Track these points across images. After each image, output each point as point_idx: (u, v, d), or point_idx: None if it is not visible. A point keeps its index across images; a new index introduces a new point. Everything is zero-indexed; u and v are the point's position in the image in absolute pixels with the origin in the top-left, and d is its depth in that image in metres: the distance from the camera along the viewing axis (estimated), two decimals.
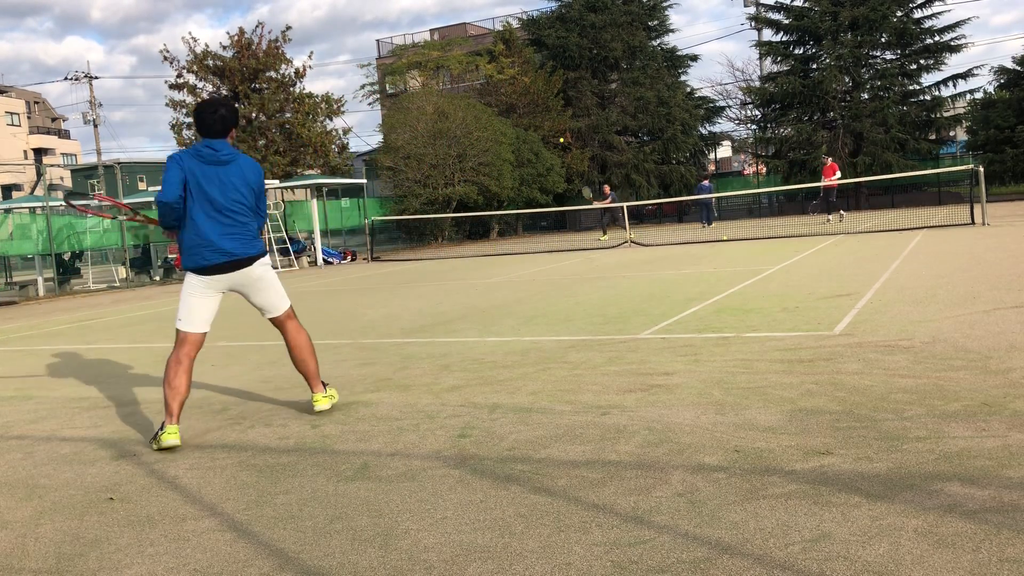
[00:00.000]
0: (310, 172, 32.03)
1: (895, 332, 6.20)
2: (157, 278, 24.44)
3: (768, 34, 40.20)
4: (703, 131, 43.21)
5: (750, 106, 44.94)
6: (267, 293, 4.96)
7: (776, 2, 39.15)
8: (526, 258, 20.26)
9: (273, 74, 32.31)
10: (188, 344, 4.80)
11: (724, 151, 60.73)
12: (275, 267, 22.58)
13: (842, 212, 25.26)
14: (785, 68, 38.93)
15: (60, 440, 4.99)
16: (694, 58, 44.34)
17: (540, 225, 41.67)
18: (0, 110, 74.94)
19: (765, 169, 40.71)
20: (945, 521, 2.82)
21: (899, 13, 36.33)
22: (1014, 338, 5.64)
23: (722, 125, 51.95)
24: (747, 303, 8.53)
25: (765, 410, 4.36)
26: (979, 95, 37.67)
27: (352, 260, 26.39)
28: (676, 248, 18.91)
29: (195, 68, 31.68)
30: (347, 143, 34.79)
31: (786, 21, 38.48)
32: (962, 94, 37.54)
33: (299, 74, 32.62)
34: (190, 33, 47.25)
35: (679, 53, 42.48)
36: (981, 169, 18.91)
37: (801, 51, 38.69)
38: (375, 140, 71.38)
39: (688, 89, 42.75)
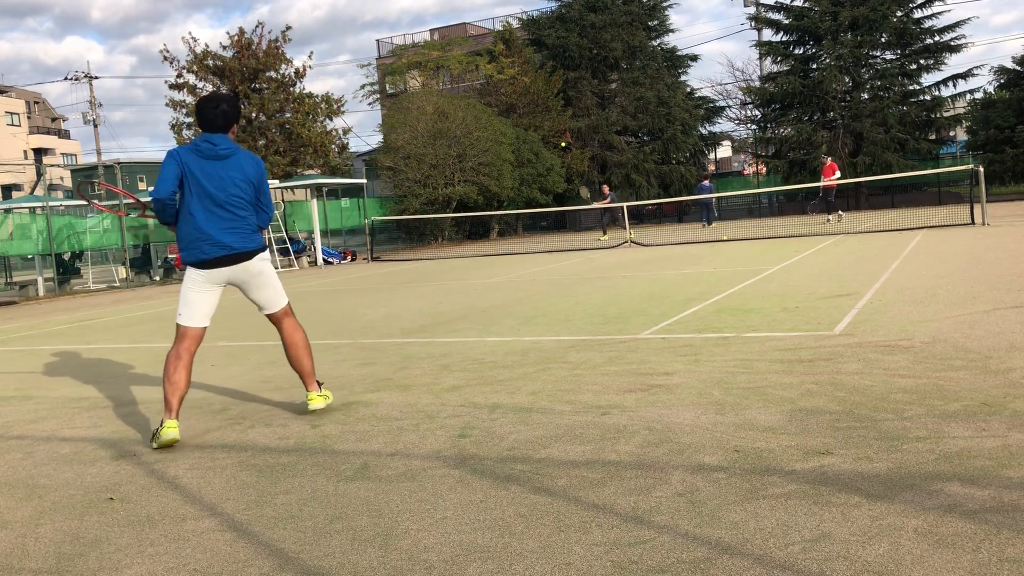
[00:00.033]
0: (310, 172, 32.04)
1: (895, 332, 6.20)
2: (157, 278, 24.44)
3: (768, 34, 40.24)
4: (703, 131, 43.23)
5: (750, 106, 44.97)
6: (266, 289, 4.98)
7: (776, 2, 39.16)
8: (526, 258, 20.26)
9: (273, 74, 32.33)
10: (188, 339, 4.80)
11: (724, 151, 60.74)
12: (275, 267, 22.56)
13: (840, 212, 25.23)
14: (785, 68, 38.94)
15: (60, 440, 4.99)
16: (694, 58, 44.36)
17: (540, 225, 41.68)
18: (0, 110, 74.94)
19: (765, 169, 40.72)
20: (945, 521, 2.82)
21: (899, 13, 36.34)
22: (1014, 338, 5.64)
23: (722, 125, 52.03)
24: (747, 303, 8.53)
25: (765, 410, 4.36)
26: (979, 95, 37.71)
27: (352, 260, 26.39)
28: (676, 248, 18.91)
29: (195, 68, 31.69)
30: (347, 143, 34.84)
31: (786, 21, 38.49)
32: (962, 94, 37.55)
33: (299, 74, 32.63)
34: (190, 33, 47.29)
35: (679, 53, 42.50)
36: (981, 169, 18.91)
37: (801, 51, 38.70)
38: (375, 140, 71.44)
39: (688, 89, 42.77)
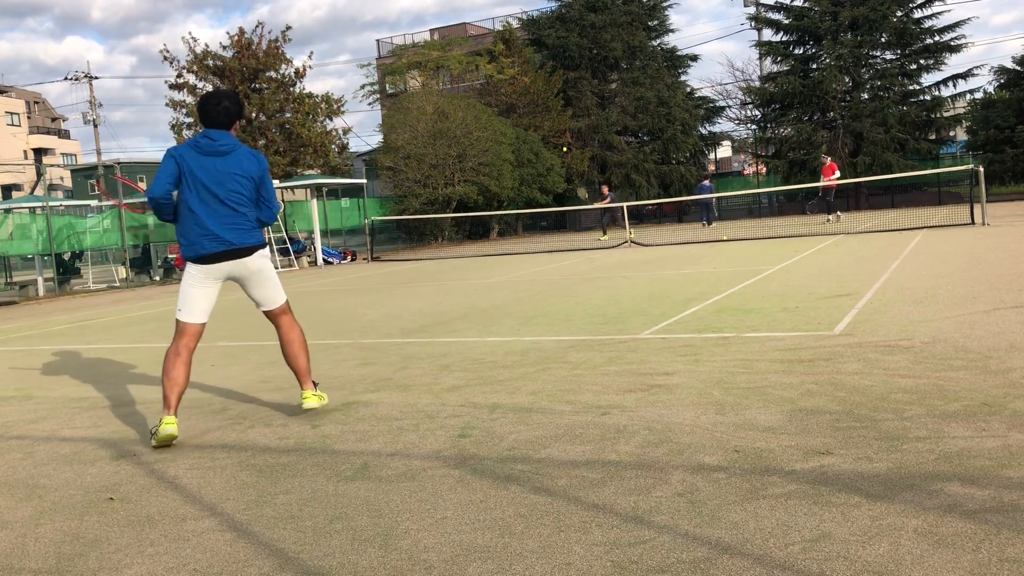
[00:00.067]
0: (310, 172, 32.04)
1: (895, 332, 6.20)
2: (157, 278, 24.44)
3: (768, 34, 40.26)
4: (703, 131, 43.24)
5: (750, 106, 44.98)
6: (265, 286, 4.98)
7: (776, 2, 39.17)
8: (526, 258, 20.26)
9: (273, 74, 32.33)
10: (187, 335, 4.81)
11: (724, 151, 60.75)
12: (275, 267, 22.56)
13: (839, 213, 25.20)
14: (785, 68, 38.95)
15: (60, 440, 4.99)
16: (694, 58, 44.39)
17: (540, 225, 41.68)
18: (0, 110, 74.94)
19: (765, 169, 40.73)
20: (945, 521, 2.82)
21: (899, 13, 36.35)
22: (1014, 338, 5.64)
23: (722, 125, 52.07)
24: (747, 303, 8.53)
25: (765, 410, 4.35)
26: (979, 95, 37.71)
27: (352, 260, 26.39)
28: (676, 248, 18.91)
29: (195, 68, 31.70)
30: (347, 143, 34.84)
31: (786, 21, 38.50)
32: (962, 94, 37.57)
33: (299, 74, 32.64)
34: (190, 33, 47.29)
35: (679, 53, 42.52)
36: (981, 169, 18.91)
37: (801, 51, 38.71)
38: (375, 140, 71.45)
39: (688, 89, 42.78)
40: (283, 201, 28.70)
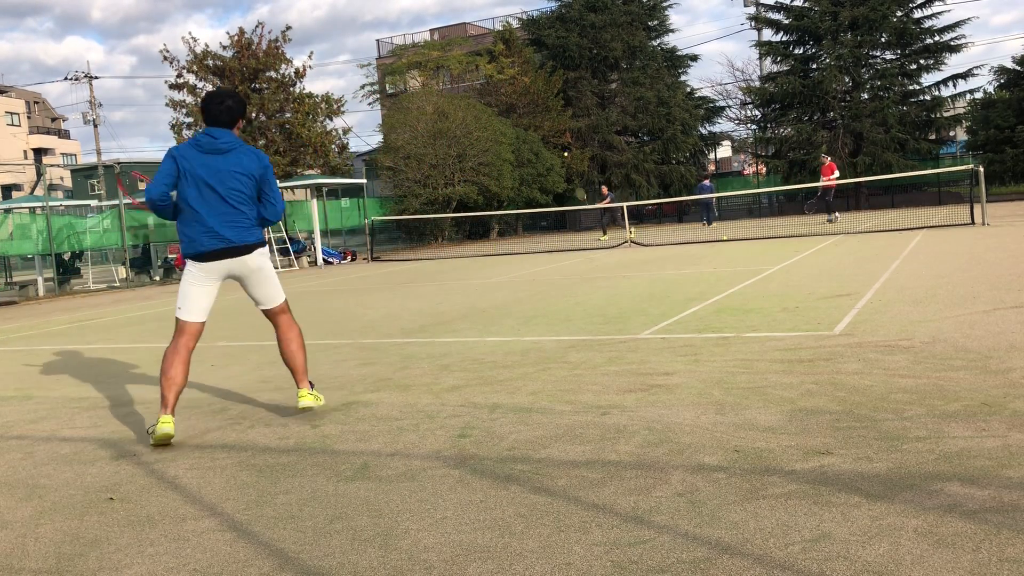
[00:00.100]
0: (310, 172, 32.06)
1: (895, 332, 6.20)
2: (157, 278, 24.44)
3: (768, 34, 40.27)
4: (703, 131, 43.25)
5: (750, 106, 45.00)
6: (264, 284, 4.99)
7: (776, 2, 39.18)
8: (526, 258, 20.26)
9: (273, 74, 32.34)
10: (186, 334, 4.81)
11: (724, 151, 60.75)
12: (275, 267, 22.56)
13: (836, 214, 25.12)
14: (785, 68, 38.96)
15: (60, 440, 4.99)
16: (694, 58, 44.40)
17: (540, 225, 41.69)
18: (0, 110, 74.94)
19: (765, 169, 40.74)
20: (945, 521, 2.82)
21: (899, 13, 36.36)
22: (1014, 338, 5.64)
23: (722, 125, 52.09)
24: (747, 303, 8.53)
25: (765, 410, 4.35)
26: (979, 95, 37.72)
27: (352, 260, 26.39)
28: (676, 248, 18.91)
29: (195, 68, 31.71)
30: (347, 143, 34.85)
31: (786, 21, 38.51)
32: (962, 94, 37.58)
33: (299, 74, 32.64)
34: (190, 33, 47.30)
35: (679, 53, 42.53)
36: (981, 169, 18.91)
37: (801, 51, 38.72)
38: (375, 140, 71.45)
39: (688, 89, 42.80)
40: (283, 201, 28.67)
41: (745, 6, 42.27)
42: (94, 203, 30.86)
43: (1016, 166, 34.22)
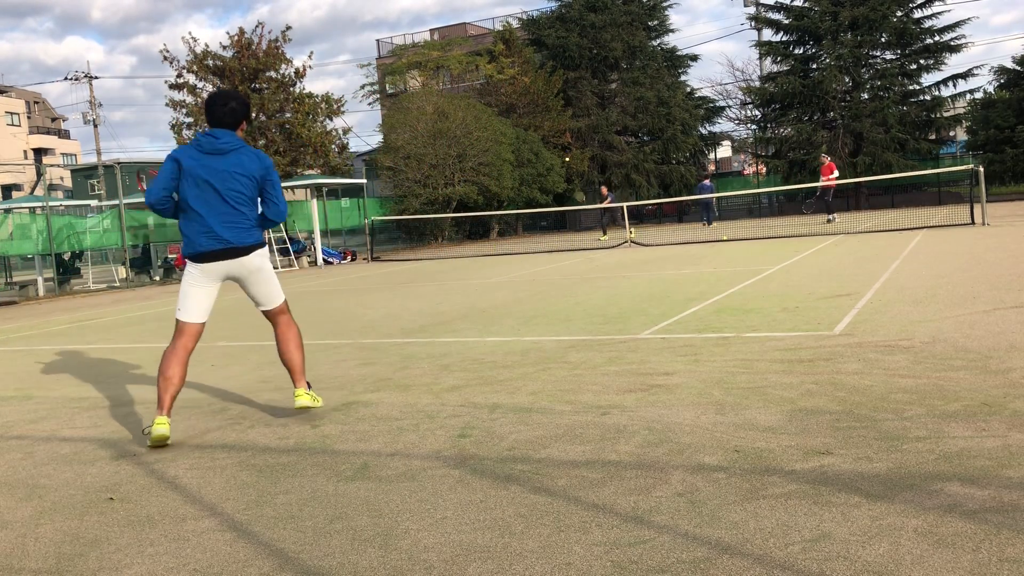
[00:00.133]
0: (310, 172, 32.06)
1: (895, 332, 6.20)
2: (157, 278, 24.44)
3: (768, 34, 40.26)
4: (703, 131, 43.25)
5: (750, 106, 45.00)
6: (264, 285, 4.97)
7: (776, 2, 39.18)
8: (526, 258, 20.26)
9: (273, 74, 32.35)
10: (185, 335, 4.80)
11: (724, 151, 60.75)
12: (275, 267, 22.58)
13: (835, 215, 25.07)
14: (785, 68, 38.96)
15: (60, 440, 4.99)
16: (694, 58, 44.40)
17: (540, 225, 41.69)
18: (0, 110, 74.93)
19: (765, 169, 40.73)
20: (945, 521, 2.82)
21: (899, 13, 36.36)
22: (1014, 338, 5.64)
23: (722, 125, 52.07)
24: (747, 303, 8.53)
25: (765, 410, 4.36)
26: (979, 95, 37.72)
27: (352, 260, 26.40)
28: (676, 248, 18.91)
29: (195, 68, 31.72)
30: (347, 143, 34.86)
31: (786, 21, 38.51)
32: (962, 94, 37.57)
33: (299, 74, 32.65)
34: (190, 33, 47.32)
35: (679, 53, 42.53)
36: (981, 169, 18.91)
37: (801, 51, 38.72)
38: (375, 140, 71.44)
39: (688, 89, 42.79)
40: None
41: (745, 6, 42.29)
42: (94, 203, 30.88)
43: (1016, 166, 34.22)
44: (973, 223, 18.27)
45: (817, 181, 25.34)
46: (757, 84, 41.89)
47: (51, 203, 23.12)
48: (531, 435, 4.25)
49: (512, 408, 4.84)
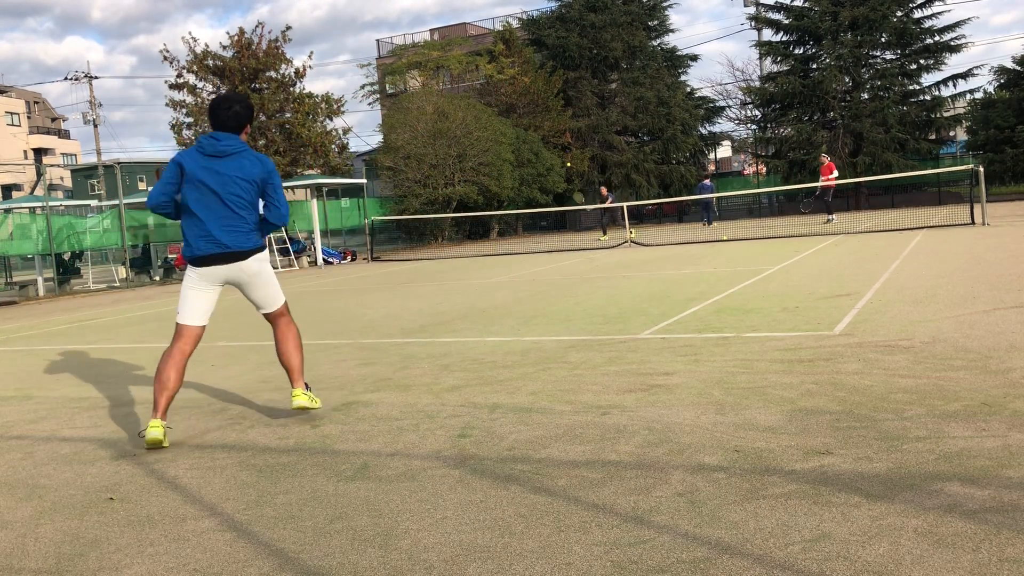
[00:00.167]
0: (310, 172, 32.07)
1: (895, 332, 6.20)
2: (157, 278, 24.44)
3: (768, 34, 40.26)
4: (703, 131, 43.25)
5: (750, 106, 45.00)
6: (263, 289, 4.94)
7: (776, 2, 39.18)
8: (526, 258, 20.26)
9: (273, 74, 32.35)
10: (184, 338, 4.79)
11: (724, 151, 60.75)
12: (275, 267, 22.60)
13: (833, 216, 25.00)
14: (785, 68, 38.96)
15: (60, 440, 4.99)
16: (694, 58, 44.40)
17: (540, 225, 41.69)
18: (0, 110, 74.93)
19: (765, 169, 40.73)
20: (945, 521, 2.82)
21: (899, 13, 36.36)
22: (1014, 338, 5.64)
23: (722, 125, 52.07)
24: (747, 303, 8.53)
25: (765, 410, 4.36)
26: (979, 95, 37.72)
27: (352, 260, 26.40)
28: (676, 248, 18.91)
29: (195, 68, 31.72)
30: (347, 143, 34.86)
31: (786, 21, 38.51)
32: (962, 94, 37.57)
33: (299, 74, 32.65)
34: (190, 33, 47.32)
35: (679, 53, 42.52)
36: (981, 169, 18.91)
37: (801, 51, 38.72)
38: (375, 140, 71.43)
39: (688, 89, 42.79)
40: None
41: (745, 6, 42.28)
42: (94, 203, 30.88)
43: (1016, 166, 34.22)
44: (973, 223, 18.27)
45: (817, 181, 25.33)
46: (757, 84, 41.90)
47: (51, 203, 23.13)
48: (531, 435, 4.25)
49: (512, 408, 4.84)
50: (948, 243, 13.95)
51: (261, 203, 4.90)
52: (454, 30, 50.09)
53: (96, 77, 69.46)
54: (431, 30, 50.50)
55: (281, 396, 5.72)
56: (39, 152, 78.93)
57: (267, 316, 5.05)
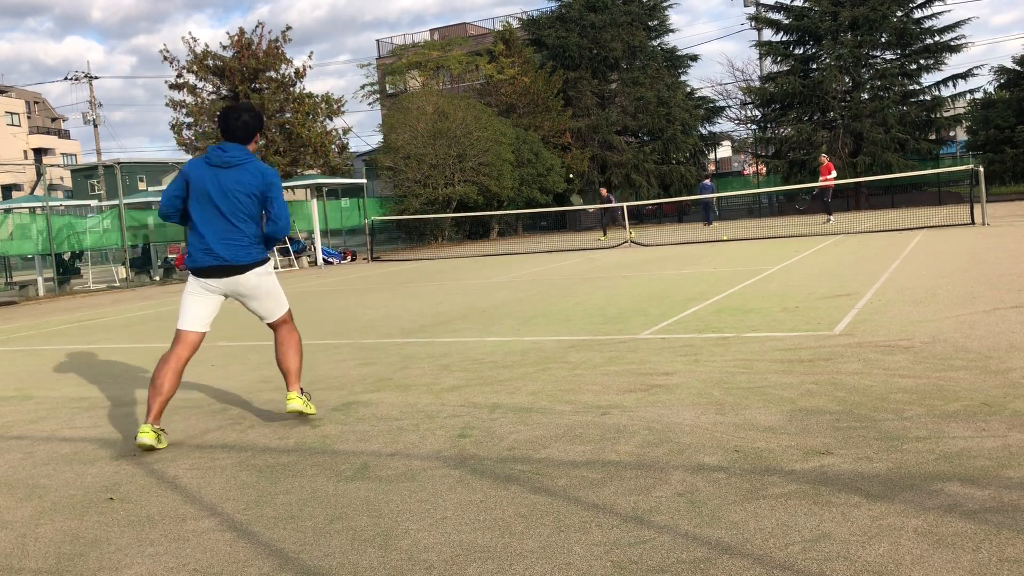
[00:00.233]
0: (310, 172, 32.06)
1: (895, 332, 6.20)
2: (157, 278, 24.44)
3: (768, 34, 40.25)
4: (703, 131, 43.25)
5: (750, 106, 45.00)
6: (263, 301, 4.88)
7: (776, 2, 39.17)
8: (526, 258, 20.26)
9: (273, 74, 32.33)
10: (182, 343, 4.77)
11: (724, 151, 60.75)
12: (275, 267, 22.59)
13: (832, 217, 24.93)
14: (785, 68, 38.96)
15: (60, 440, 4.99)
16: (694, 58, 44.40)
17: (540, 225, 41.68)
18: (0, 110, 74.94)
19: (765, 169, 40.73)
20: (945, 521, 2.82)
21: (899, 13, 36.35)
22: (1014, 338, 5.64)
23: (722, 125, 52.07)
24: (747, 303, 8.53)
25: (765, 410, 4.36)
26: (979, 95, 37.72)
27: (352, 260, 26.40)
28: (676, 248, 18.91)
29: (195, 68, 31.70)
30: (347, 143, 34.84)
31: (786, 21, 38.50)
32: (962, 94, 37.57)
33: (299, 74, 32.64)
34: (190, 33, 47.30)
35: (679, 53, 42.53)
36: (981, 169, 18.91)
37: (801, 51, 38.71)
38: (375, 140, 71.46)
39: (688, 89, 42.79)
40: None
41: (745, 6, 42.27)
42: (94, 203, 30.89)
43: (1016, 166, 34.22)
44: (973, 223, 18.27)
45: (817, 181, 25.30)
46: (757, 84, 41.90)
47: (51, 203, 23.13)
48: (531, 435, 4.25)
49: (512, 408, 4.84)
50: (948, 243, 13.95)
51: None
52: (454, 30, 50.09)
53: (96, 77, 69.47)
54: (431, 30, 50.53)
55: (281, 396, 5.71)
56: (39, 152, 78.92)
57: (269, 325, 5.01)
